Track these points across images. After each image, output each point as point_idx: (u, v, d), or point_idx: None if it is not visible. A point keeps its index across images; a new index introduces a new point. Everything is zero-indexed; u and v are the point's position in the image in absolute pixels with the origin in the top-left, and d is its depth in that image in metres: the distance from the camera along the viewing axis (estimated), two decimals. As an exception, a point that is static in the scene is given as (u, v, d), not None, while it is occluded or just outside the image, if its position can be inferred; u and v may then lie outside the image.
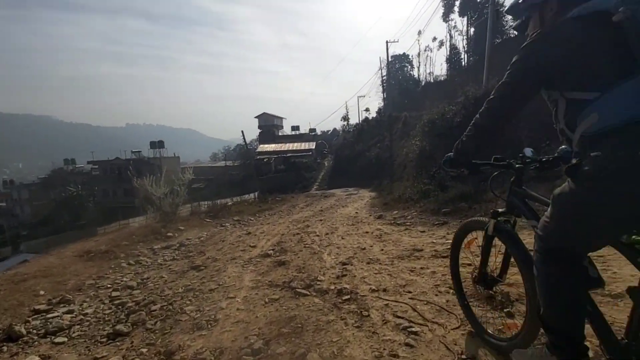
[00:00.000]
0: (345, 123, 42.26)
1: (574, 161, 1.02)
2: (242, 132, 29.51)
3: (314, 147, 49.33)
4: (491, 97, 1.20)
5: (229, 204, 15.34)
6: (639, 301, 1.05)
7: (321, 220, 7.79)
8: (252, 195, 33.82)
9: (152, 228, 7.03)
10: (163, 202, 14.14)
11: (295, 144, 50.82)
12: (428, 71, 63.49)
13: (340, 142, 43.17)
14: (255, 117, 67.20)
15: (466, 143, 1.35)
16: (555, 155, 1.46)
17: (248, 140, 60.28)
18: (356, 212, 9.11)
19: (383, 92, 49.41)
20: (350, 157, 32.18)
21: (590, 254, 1.14)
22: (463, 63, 51.51)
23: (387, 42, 37.02)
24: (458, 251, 2.01)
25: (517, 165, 1.54)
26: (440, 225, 5.50)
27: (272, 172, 41.34)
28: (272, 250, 4.65)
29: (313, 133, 67.55)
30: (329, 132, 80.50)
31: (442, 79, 51.55)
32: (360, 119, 37.69)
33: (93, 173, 46.53)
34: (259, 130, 64.05)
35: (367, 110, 39.48)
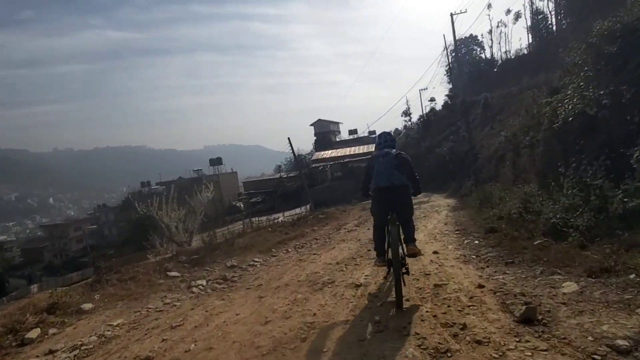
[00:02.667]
0: (407, 118, 36.67)
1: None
2: (289, 139, 26.58)
3: (373, 149, 44.52)
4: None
5: (247, 231, 11.96)
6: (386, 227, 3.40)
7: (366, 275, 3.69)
8: (304, 209, 30.68)
9: (13, 318, 3.61)
10: (175, 232, 11.27)
11: (353, 148, 46.63)
12: (503, 50, 53.20)
13: (403, 140, 37.69)
14: (311, 125, 65.10)
15: (362, 189, 3.82)
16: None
17: (308, 150, 58.06)
18: (436, 255, 4.73)
19: (449, 77, 42.40)
20: (416, 156, 26.75)
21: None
22: (553, 28, 42.09)
23: (451, 14, 30.84)
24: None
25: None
26: None
27: (328, 180, 37.82)
28: None
29: (373, 135, 62.76)
30: (391, 133, 74.59)
31: (524, 52, 42.67)
32: (424, 112, 31.88)
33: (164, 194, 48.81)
34: (314, 138, 61.62)
35: (432, 100, 33.44)
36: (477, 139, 18.64)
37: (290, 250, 7.07)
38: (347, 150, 46.47)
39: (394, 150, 3.51)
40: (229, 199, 45.04)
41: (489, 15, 44.11)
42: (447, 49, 36.19)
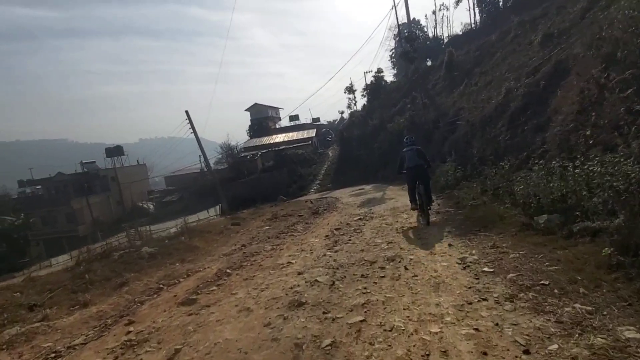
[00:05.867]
0: (351, 96, 30.76)
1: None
2: (187, 112, 18.64)
3: (314, 135, 38.09)
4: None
5: None
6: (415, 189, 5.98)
7: None
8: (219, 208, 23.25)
9: None
10: None
11: (291, 134, 39.79)
12: (445, 35, 51.19)
13: (349, 123, 31.72)
14: (246, 110, 56.82)
15: (398, 170, 6.53)
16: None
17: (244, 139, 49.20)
18: None
19: (394, 62, 37.44)
20: (363, 138, 20.79)
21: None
22: (500, 4, 39.52)
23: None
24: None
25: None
26: None
27: (258, 171, 30.45)
28: None
29: (317, 123, 56.46)
30: (336, 122, 69.11)
31: (472, 27, 39.77)
32: (370, 81, 25.96)
33: (39, 194, 36.87)
34: (249, 124, 53.49)
35: (379, 71, 27.72)
36: (446, 104, 12.84)
37: None
38: (282, 137, 39.48)
39: (415, 146, 6.12)
40: (133, 200, 35.25)
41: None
42: (396, 15, 30.63)
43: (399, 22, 30.68)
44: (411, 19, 41.63)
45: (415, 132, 13.55)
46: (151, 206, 36.43)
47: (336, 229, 5.78)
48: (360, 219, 6.54)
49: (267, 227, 7.21)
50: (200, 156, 38.79)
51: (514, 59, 9.22)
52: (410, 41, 17.09)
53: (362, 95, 26.01)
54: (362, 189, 13.63)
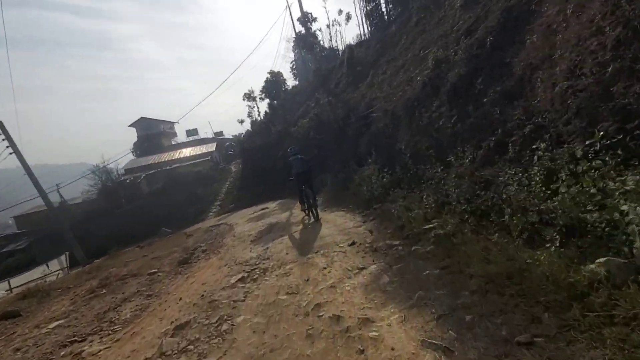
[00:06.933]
0: (252, 103, 27.69)
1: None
2: (2, 127, 12.84)
3: (214, 149, 33.64)
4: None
5: None
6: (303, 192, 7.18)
7: None
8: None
9: None
10: None
11: (186, 150, 34.46)
12: (340, 47, 53.06)
13: (249, 132, 28.62)
14: (131, 126, 48.13)
15: (289, 176, 7.73)
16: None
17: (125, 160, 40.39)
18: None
19: (294, 72, 36.06)
20: (266, 147, 17.97)
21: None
22: (385, 18, 42.24)
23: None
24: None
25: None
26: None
27: (143, 196, 24.60)
28: None
29: (220, 137, 51.24)
30: (242, 134, 64.62)
31: (363, 38, 41.47)
32: (267, 79, 23.33)
33: None
34: (134, 142, 45.16)
35: (278, 74, 25.43)
36: (355, 99, 11.03)
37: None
38: (178, 153, 33.86)
39: (299, 155, 7.29)
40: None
41: (324, 7, 41.08)
42: (292, 18, 28.99)
43: (294, 26, 29.11)
44: (309, 31, 41.15)
45: (323, 132, 11.38)
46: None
47: (181, 326, 2.73)
48: (245, 277, 3.64)
49: (60, 322, 3.62)
50: (57, 185, 30.05)
51: (427, 36, 7.78)
52: (305, 24, 15.23)
53: (261, 98, 23.24)
54: (266, 208, 10.77)
